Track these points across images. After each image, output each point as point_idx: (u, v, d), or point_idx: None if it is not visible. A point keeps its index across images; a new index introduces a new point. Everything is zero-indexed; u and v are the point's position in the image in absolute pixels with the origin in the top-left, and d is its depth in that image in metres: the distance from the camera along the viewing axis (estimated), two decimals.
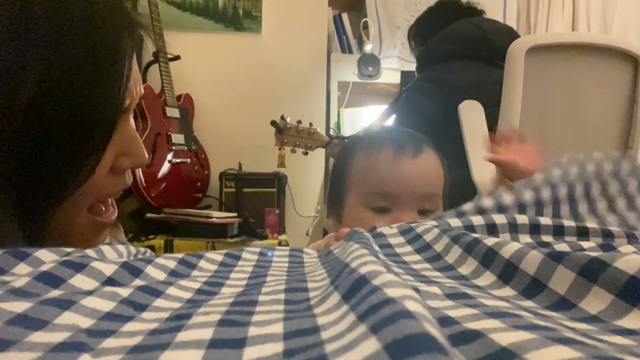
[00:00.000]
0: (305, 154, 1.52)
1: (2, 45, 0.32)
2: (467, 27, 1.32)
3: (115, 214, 0.44)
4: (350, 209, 0.61)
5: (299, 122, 1.50)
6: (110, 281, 0.24)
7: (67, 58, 0.34)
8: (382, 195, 0.58)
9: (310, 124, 1.52)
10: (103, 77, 0.36)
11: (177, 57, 1.95)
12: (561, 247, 0.32)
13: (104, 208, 0.43)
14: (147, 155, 0.45)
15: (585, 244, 0.32)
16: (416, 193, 0.58)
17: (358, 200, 0.60)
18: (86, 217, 0.40)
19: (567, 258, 0.24)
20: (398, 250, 0.34)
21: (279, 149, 1.53)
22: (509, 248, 0.27)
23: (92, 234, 0.41)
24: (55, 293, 0.21)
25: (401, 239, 0.36)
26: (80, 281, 0.23)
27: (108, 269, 0.25)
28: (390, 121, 1.64)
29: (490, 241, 0.29)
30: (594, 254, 0.23)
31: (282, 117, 1.48)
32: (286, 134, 1.49)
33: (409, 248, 0.34)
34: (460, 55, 1.31)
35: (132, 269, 0.26)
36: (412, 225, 0.36)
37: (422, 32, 1.49)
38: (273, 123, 1.47)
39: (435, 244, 0.33)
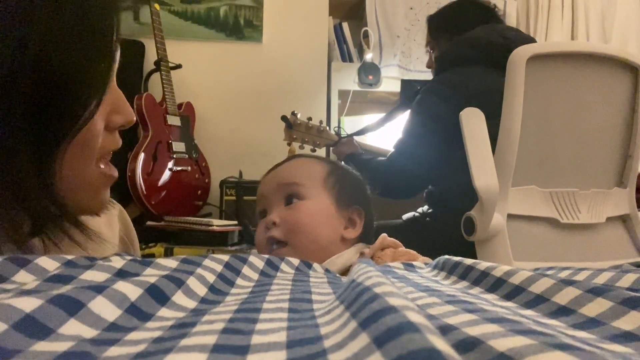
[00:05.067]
0: (313, 151, 1.53)
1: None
2: (491, 35, 1.30)
3: (116, 172, 0.49)
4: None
5: (310, 119, 1.51)
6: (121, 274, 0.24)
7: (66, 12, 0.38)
8: (258, 199, 0.65)
9: (321, 122, 1.52)
10: (97, 23, 0.41)
11: (178, 66, 1.96)
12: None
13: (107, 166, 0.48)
14: (134, 114, 0.50)
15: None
16: (277, 184, 0.63)
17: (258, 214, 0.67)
18: (96, 170, 0.45)
19: (577, 284, 0.25)
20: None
21: (288, 144, 1.54)
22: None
23: (100, 186, 0.46)
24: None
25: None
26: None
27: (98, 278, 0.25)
28: (386, 128, 1.64)
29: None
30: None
31: (293, 113, 1.49)
32: (296, 129, 1.50)
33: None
34: (480, 62, 1.28)
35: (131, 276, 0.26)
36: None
37: (436, 26, 1.47)
38: (283, 118, 1.48)
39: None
